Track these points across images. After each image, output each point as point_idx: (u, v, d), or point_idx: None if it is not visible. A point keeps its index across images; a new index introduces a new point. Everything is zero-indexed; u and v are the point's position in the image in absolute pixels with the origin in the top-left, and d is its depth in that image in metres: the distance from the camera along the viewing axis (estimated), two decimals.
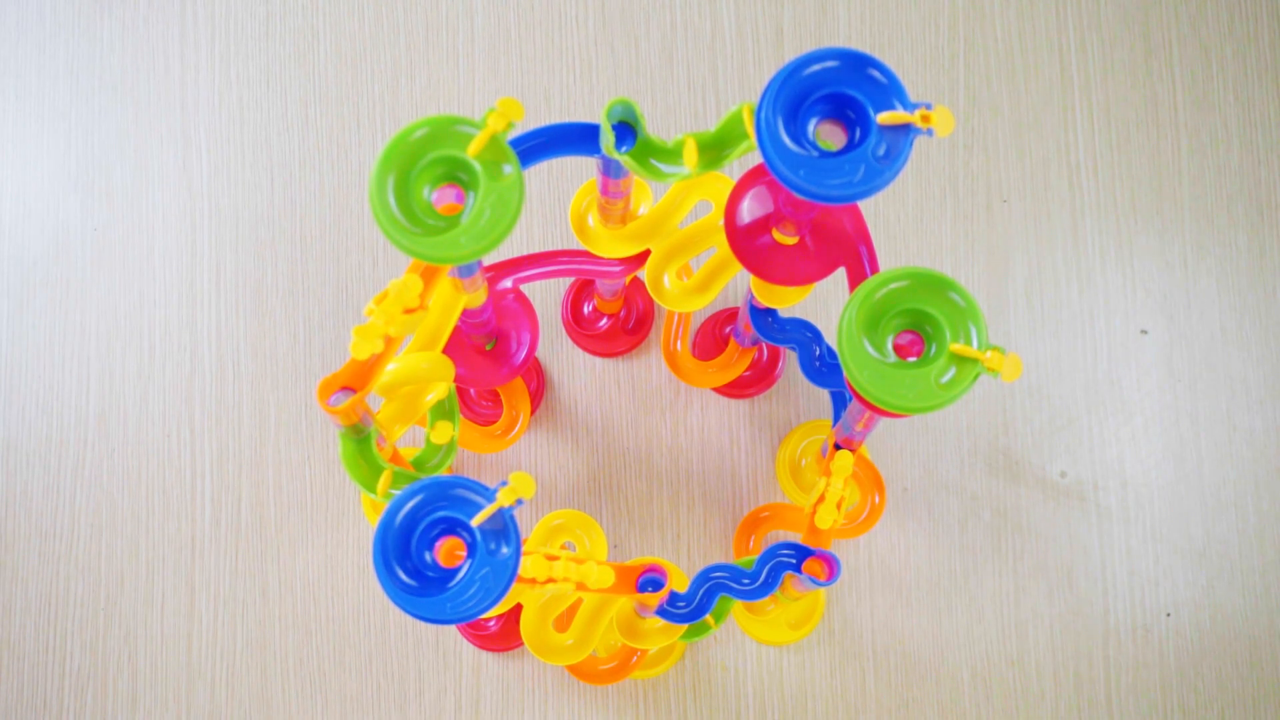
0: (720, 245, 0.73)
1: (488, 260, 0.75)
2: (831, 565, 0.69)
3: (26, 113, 0.93)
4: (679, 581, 0.72)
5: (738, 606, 0.85)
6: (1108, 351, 0.89)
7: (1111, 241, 0.90)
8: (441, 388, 0.69)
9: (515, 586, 0.57)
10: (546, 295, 0.89)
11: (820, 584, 0.68)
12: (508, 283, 0.74)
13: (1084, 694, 0.85)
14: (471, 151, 0.54)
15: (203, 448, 0.88)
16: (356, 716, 0.85)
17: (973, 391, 0.87)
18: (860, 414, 0.66)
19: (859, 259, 0.65)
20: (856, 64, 0.54)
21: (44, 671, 0.86)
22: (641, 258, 0.73)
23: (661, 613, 0.70)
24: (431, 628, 0.85)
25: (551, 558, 0.60)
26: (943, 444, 0.88)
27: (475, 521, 0.55)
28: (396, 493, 0.57)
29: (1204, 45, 0.93)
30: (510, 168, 0.54)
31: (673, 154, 0.59)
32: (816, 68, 0.54)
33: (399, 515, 0.56)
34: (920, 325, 0.58)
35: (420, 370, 0.68)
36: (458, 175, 0.55)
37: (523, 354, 0.75)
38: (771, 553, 0.70)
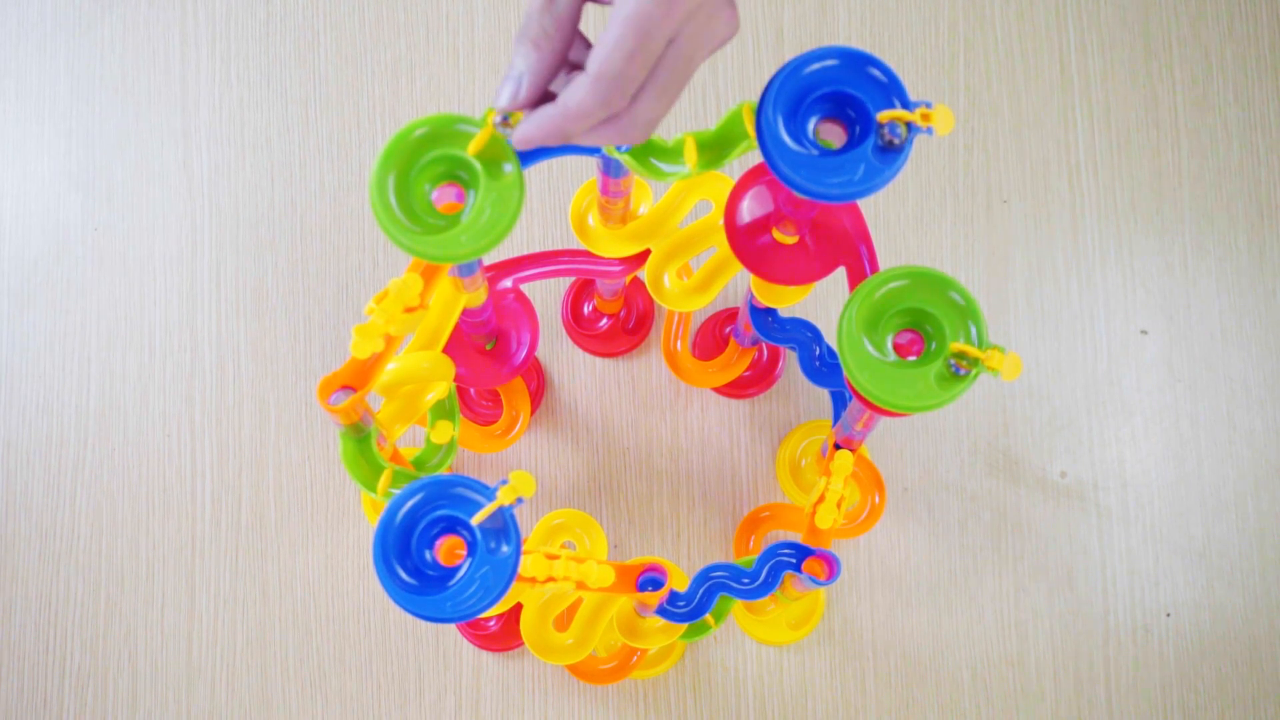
0: (720, 245, 0.73)
1: (488, 259, 0.75)
2: (831, 565, 0.69)
3: (27, 113, 0.93)
4: (679, 581, 0.72)
5: (738, 606, 0.85)
6: (1108, 351, 0.89)
7: (1111, 242, 0.90)
8: (441, 387, 0.69)
9: (515, 585, 0.57)
10: (546, 295, 0.89)
11: (820, 583, 0.68)
12: (508, 282, 0.74)
13: (1084, 694, 0.85)
14: (472, 150, 0.54)
15: (203, 448, 0.88)
16: (356, 716, 0.85)
17: (972, 392, 0.87)
18: (860, 413, 0.66)
19: (859, 258, 0.65)
20: (856, 63, 0.54)
21: (44, 671, 0.86)
22: (641, 257, 0.73)
23: (661, 612, 0.70)
24: (431, 628, 0.85)
25: (551, 556, 0.60)
26: (943, 444, 0.88)
27: (475, 520, 0.55)
28: (397, 492, 0.57)
29: (1204, 46, 0.93)
30: (510, 166, 0.54)
31: (673, 153, 0.59)
32: (816, 66, 0.54)
33: (399, 514, 0.56)
34: (920, 324, 0.58)
35: (420, 369, 0.68)
36: (458, 174, 0.55)
37: (523, 354, 0.75)
38: (771, 552, 0.70)
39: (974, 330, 0.57)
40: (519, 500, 0.55)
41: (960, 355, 0.56)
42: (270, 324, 0.90)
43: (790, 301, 0.71)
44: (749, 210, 0.67)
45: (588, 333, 0.89)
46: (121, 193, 0.92)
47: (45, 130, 0.93)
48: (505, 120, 0.53)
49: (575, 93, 0.50)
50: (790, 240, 0.66)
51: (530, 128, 0.52)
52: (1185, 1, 0.93)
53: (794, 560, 0.70)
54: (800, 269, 0.66)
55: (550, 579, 0.61)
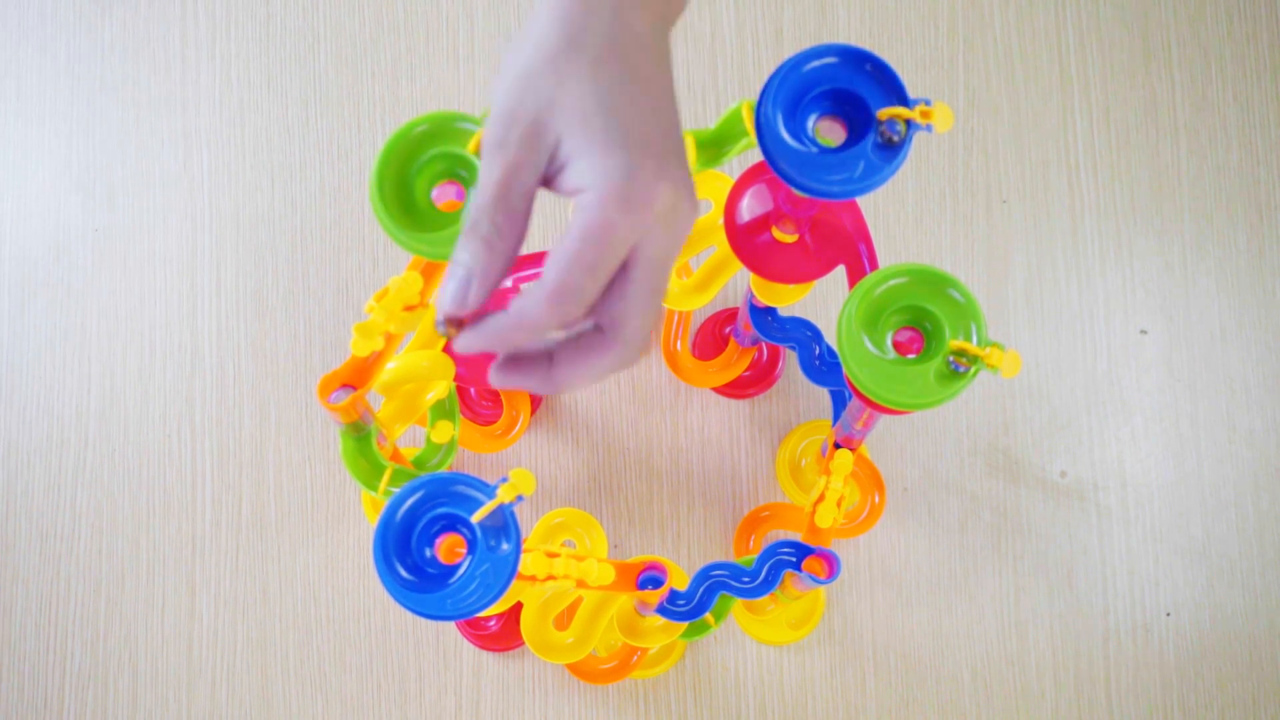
0: (720, 244, 0.73)
1: None
2: (831, 563, 0.69)
3: (28, 114, 0.93)
4: (679, 580, 0.72)
5: (738, 606, 0.85)
6: (1107, 351, 0.89)
7: (1111, 242, 0.91)
8: (442, 386, 0.69)
9: (515, 584, 0.57)
10: None
11: (820, 582, 0.68)
12: (508, 282, 0.74)
13: (1084, 694, 0.85)
14: (472, 148, 0.54)
15: (203, 448, 0.88)
16: (357, 716, 0.84)
17: (972, 391, 0.87)
18: (860, 412, 0.66)
19: (858, 256, 0.65)
20: (855, 60, 0.54)
21: (44, 671, 0.86)
22: None
23: (662, 611, 0.70)
24: (432, 628, 0.85)
25: (552, 555, 0.61)
26: (943, 444, 0.88)
27: (476, 518, 0.55)
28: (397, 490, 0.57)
29: (1203, 46, 0.93)
30: None
31: None
32: (816, 64, 0.54)
33: (399, 512, 0.56)
34: (920, 322, 0.58)
35: (420, 368, 0.68)
36: (458, 172, 0.56)
37: None
38: (771, 551, 0.70)
39: (973, 328, 0.57)
40: (519, 498, 0.55)
41: (960, 352, 0.56)
42: (270, 324, 0.90)
43: (790, 300, 0.71)
44: (749, 209, 0.67)
45: None
46: (122, 193, 0.92)
47: (45, 131, 0.93)
48: (447, 321, 0.47)
49: (530, 307, 0.46)
50: (790, 239, 0.66)
51: (476, 338, 0.47)
52: (1185, 2, 0.94)
53: (794, 559, 0.70)
54: (800, 267, 0.66)
55: (550, 577, 0.61)
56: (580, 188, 0.45)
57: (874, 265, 0.65)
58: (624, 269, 0.46)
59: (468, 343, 0.47)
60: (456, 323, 0.47)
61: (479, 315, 0.47)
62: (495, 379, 0.49)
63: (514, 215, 0.46)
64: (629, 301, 0.46)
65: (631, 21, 0.47)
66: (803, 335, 0.80)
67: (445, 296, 0.47)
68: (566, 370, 0.48)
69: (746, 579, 0.70)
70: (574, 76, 0.45)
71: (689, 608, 0.70)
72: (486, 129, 0.47)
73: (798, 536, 0.85)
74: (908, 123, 0.53)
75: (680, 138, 0.47)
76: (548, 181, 0.47)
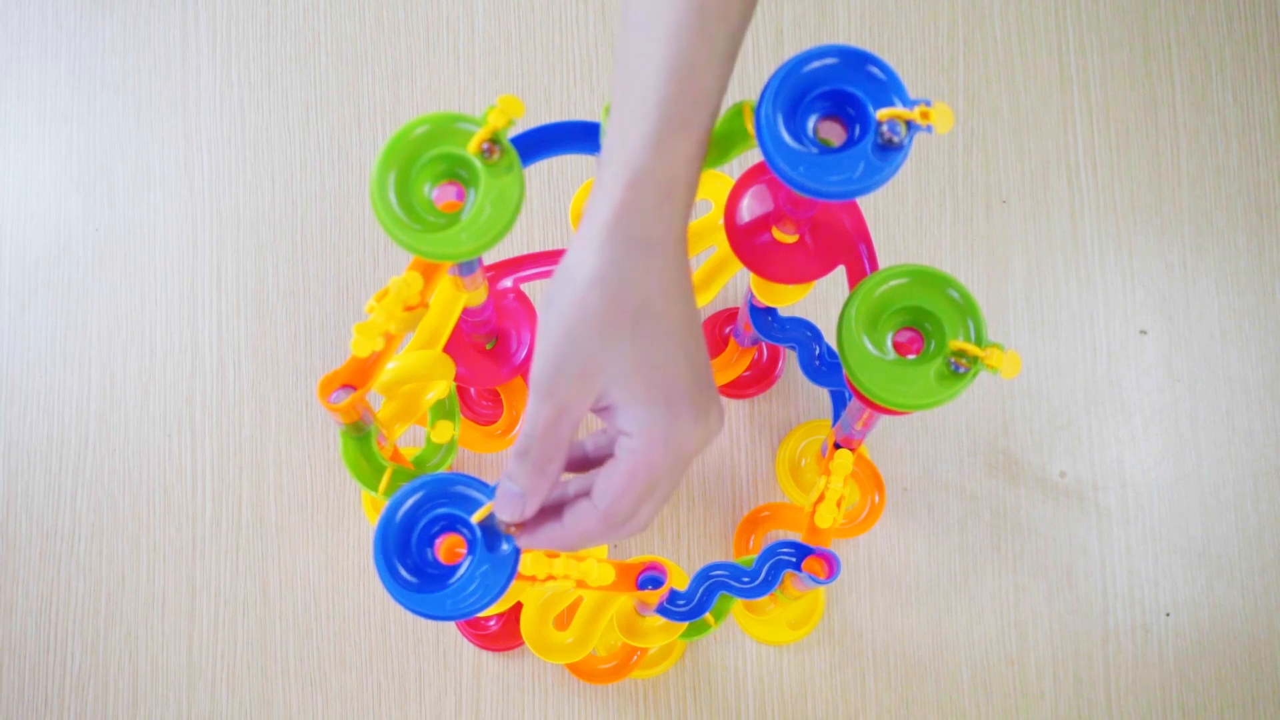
0: (720, 244, 0.73)
1: (488, 259, 0.75)
2: (831, 563, 0.69)
3: (28, 113, 0.93)
4: (679, 580, 0.72)
5: (738, 606, 0.85)
6: (1107, 351, 0.89)
7: (1111, 242, 0.91)
8: (442, 386, 0.69)
9: (515, 584, 0.57)
10: None
11: (820, 582, 0.68)
12: (508, 282, 0.75)
13: (1084, 694, 0.85)
14: (472, 148, 0.54)
15: (203, 448, 0.88)
16: (356, 716, 0.85)
17: (972, 391, 0.87)
18: (860, 412, 0.66)
19: (858, 257, 0.65)
20: (855, 61, 0.54)
21: (44, 671, 0.86)
22: None
23: (661, 611, 0.70)
24: (432, 627, 0.85)
25: (551, 555, 0.61)
26: (942, 444, 0.88)
27: (475, 518, 0.55)
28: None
29: (1203, 47, 0.93)
30: (511, 165, 0.54)
31: None
32: (816, 65, 0.54)
33: (399, 512, 0.56)
34: (919, 322, 0.58)
35: (421, 368, 0.68)
36: (458, 172, 0.56)
37: (523, 353, 0.76)
38: (771, 551, 0.70)
39: (973, 328, 0.57)
40: None
41: (960, 353, 0.56)
42: (270, 324, 0.90)
43: (790, 301, 0.71)
44: (749, 209, 0.67)
45: None
46: (122, 193, 0.92)
47: (46, 131, 0.93)
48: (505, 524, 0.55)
49: (582, 522, 0.53)
50: (790, 239, 0.66)
51: (535, 540, 0.55)
52: (1185, 1, 0.94)
53: (794, 559, 0.70)
54: (800, 268, 0.66)
55: (550, 577, 0.61)
56: (626, 432, 0.51)
57: (874, 265, 0.65)
58: None
59: (527, 543, 0.55)
60: (516, 524, 0.55)
61: (537, 521, 0.55)
62: (526, 544, 0.56)
63: (560, 444, 0.52)
64: (652, 502, 0.53)
65: (659, 263, 0.50)
66: (803, 335, 0.80)
67: (504, 511, 0.54)
68: (586, 543, 0.55)
69: (746, 579, 0.70)
70: (616, 338, 0.50)
71: (689, 608, 0.70)
72: (535, 373, 0.51)
73: (798, 536, 0.85)
74: (907, 123, 0.53)
75: (708, 368, 0.53)
76: (595, 412, 0.52)
